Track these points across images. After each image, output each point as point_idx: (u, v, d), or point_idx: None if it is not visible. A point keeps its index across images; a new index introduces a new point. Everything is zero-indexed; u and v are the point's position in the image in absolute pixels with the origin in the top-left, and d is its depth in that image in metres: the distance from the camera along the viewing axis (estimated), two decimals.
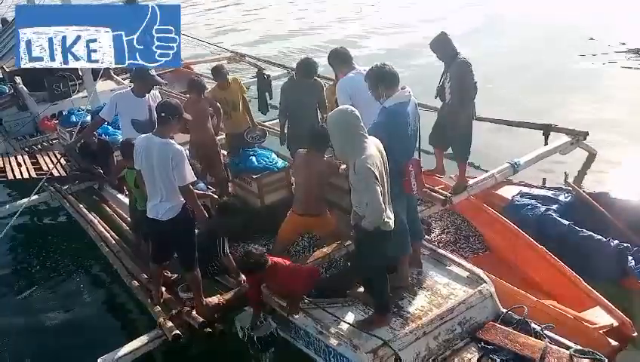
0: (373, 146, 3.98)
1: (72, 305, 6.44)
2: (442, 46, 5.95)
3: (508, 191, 6.92)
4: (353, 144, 3.94)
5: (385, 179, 4.01)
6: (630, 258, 5.43)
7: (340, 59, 5.83)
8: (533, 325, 4.31)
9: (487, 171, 7.17)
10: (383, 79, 4.45)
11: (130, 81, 8.21)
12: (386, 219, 3.96)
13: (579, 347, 4.03)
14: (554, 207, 6.35)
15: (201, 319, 4.69)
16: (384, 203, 3.91)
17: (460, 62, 5.85)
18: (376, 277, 4.33)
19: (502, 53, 15.03)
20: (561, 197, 6.55)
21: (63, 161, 7.92)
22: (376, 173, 3.85)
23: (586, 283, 5.22)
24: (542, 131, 8.34)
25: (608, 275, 5.42)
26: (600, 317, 4.83)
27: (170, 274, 5.37)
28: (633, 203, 6.28)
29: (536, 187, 7.03)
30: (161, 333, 4.71)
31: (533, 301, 4.92)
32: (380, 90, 4.46)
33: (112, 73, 11.00)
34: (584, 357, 3.93)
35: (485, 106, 9.52)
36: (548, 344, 4.07)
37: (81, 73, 9.75)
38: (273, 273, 4.51)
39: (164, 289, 5.18)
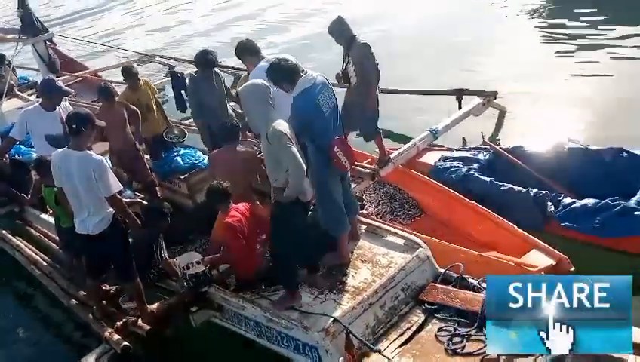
0: (284, 122, 4.13)
1: (9, 337, 6.09)
2: (339, 29, 5.96)
3: (431, 157, 7.12)
4: (265, 115, 4.08)
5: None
6: (550, 203, 5.74)
7: (248, 51, 5.78)
8: (470, 280, 4.52)
9: (409, 141, 7.39)
10: (283, 77, 4.43)
11: (37, 97, 7.85)
12: (306, 186, 4.12)
13: None
14: (475, 166, 6.62)
15: (147, 327, 4.64)
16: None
17: (360, 45, 5.90)
18: (286, 254, 4.39)
19: (409, 28, 15.27)
20: (481, 156, 6.83)
21: None
22: (289, 135, 3.98)
23: (521, 230, 5.47)
24: (455, 96, 8.65)
25: (532, 223, 5.68)
26: (539, 259, 5.08)
27: (108, 287, 5.24)
28: (545, 152, 6.64)
29: (457, 149, 7.31)
30: (109, 348, 4.62)
31: (475, 255, 5.14)
32: (284, 86, 4.47)
33: (17, 90, 10.49)
34: None
35: (401, 79, 9.81)
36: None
37: None
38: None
39: (104, 303, 5.07)
